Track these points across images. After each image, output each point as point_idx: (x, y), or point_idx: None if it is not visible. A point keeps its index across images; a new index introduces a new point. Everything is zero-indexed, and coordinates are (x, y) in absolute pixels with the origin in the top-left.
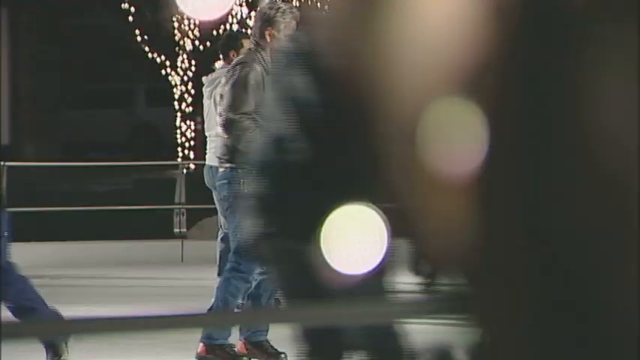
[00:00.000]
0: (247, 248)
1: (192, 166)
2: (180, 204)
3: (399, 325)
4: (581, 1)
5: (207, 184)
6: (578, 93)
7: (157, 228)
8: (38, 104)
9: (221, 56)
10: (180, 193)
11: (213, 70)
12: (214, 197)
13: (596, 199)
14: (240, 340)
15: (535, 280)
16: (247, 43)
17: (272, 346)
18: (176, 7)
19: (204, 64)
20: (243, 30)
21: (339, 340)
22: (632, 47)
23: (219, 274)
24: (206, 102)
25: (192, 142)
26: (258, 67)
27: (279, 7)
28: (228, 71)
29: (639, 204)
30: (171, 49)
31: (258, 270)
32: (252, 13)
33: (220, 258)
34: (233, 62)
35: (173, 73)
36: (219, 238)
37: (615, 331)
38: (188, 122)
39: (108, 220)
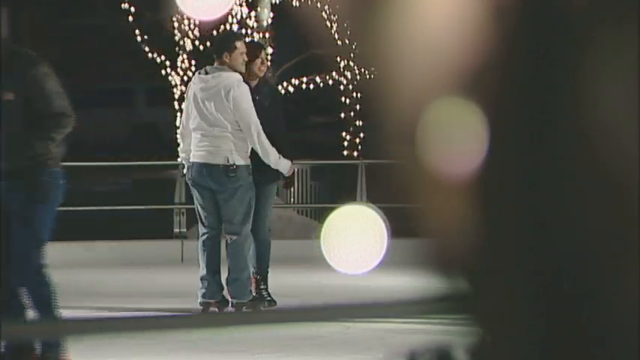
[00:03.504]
0: None
1: None
2: (180, 204)
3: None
4: (581, 1)
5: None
6: (579, 93)
7: (157, 228)
8: None
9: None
10: (180, 193)
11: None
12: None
13: (596, 199)
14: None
15: (535, 280)
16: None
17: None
18: (176, 7)
19: (204, 64)
20: (243, 30)
21: None
22: (633, 47)
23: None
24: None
25: None
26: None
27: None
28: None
29: (639, 204)
30: (171, 49)
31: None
32: (253, 13)
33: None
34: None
35: (173, 73)
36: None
37: (615, 331)
38: None
39: (108, 220)
